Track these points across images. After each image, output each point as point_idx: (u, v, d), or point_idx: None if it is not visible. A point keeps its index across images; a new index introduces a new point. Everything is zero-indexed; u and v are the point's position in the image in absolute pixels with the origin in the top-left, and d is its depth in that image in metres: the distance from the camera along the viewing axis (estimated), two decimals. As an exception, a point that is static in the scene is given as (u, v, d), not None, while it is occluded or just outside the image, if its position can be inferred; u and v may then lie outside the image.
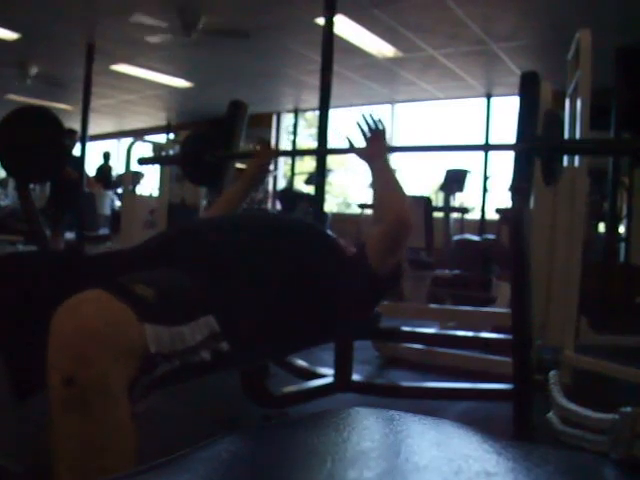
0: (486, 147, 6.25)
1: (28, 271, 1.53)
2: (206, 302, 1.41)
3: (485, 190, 9.80)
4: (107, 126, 15.41)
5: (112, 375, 1.11)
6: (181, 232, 1.87)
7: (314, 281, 1.83)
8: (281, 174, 13.47)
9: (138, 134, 12.27)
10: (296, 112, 13.06)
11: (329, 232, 2.18)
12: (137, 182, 9.18)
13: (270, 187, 12.59)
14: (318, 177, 3.94)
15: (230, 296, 1.51)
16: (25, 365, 1.34)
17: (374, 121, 2.45)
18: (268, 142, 3.00)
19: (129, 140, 7.92)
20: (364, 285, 2.01)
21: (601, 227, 7.35)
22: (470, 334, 3.50)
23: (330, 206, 13.55)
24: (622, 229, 6.73)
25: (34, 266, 1.58)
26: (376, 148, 2.37)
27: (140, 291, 1.23)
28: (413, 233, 2.16)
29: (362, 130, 2.46)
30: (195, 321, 1.33)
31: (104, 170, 12.41)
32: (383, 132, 2.43)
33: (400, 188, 2.25)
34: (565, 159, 3.33)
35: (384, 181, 2.28)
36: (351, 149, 2.50)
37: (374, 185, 2.30)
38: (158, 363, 1.23)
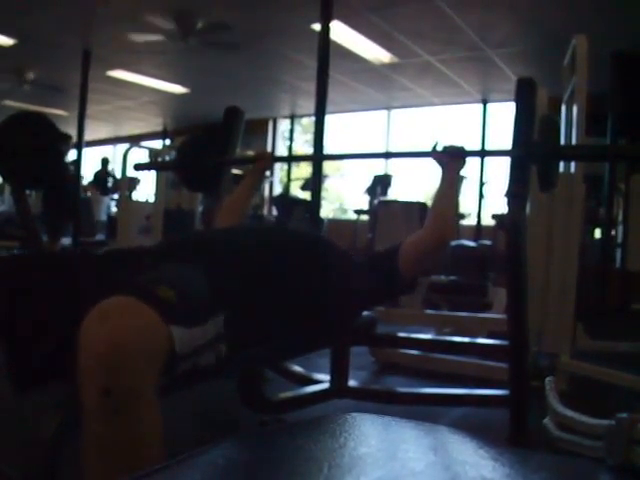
0: (482, 153, 6.26)
1: (33, 268, 1.53)
2: (216, 303, 1.42)
3: (481, 196, 9.81)
4: (103, 132, 15.38)
5: (147, 382, 1.13)
6: (186, 238, 1.90)
7: (316, 287, 1.85)
8: (277, 180, 13.47)
9: (134, 140, 12.27)
10: (292, 118, 13.06)
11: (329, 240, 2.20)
12: (133, 188, 9.17)
13: (266, 193, 12.59)
14: (314, 183, 3.94)
15: (234, 299, 1.52)
16: (28, 358, 1.34)
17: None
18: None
19: (125, 146, 7.92)
20: (377, 285, 2.04)
21: (597, 233, 7.36)
22: (466, 340, 3.51)
23: (326, 212, 13.56)
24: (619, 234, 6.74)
25: (38, 264, 1.58)
26: (455, 163, 2.37)
27: (163, 293, 1.23)
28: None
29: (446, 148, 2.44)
30: (208, 322, 1.34)
31: (101, 175, 12.39)
32: (464, 161, 2.42)
33: (455, 206, 2.36)
34: (561, 165, 3.33)
35: (446, 193, 2.30)
36: (432, 152, 2.47)
37: (437, 192, 2.30)
38: (177, 364, 1.24)
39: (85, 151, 8.84)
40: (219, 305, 1.42)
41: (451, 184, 2.32)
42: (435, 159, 2.37)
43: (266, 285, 1.68)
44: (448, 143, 2.42)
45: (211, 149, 3.12)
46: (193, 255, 1.66)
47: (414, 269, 2.11)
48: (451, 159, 2.34)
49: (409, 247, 2.10)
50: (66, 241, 7.85)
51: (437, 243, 2.16)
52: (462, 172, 2.40)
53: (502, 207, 9.13)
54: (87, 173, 11.53)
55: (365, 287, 2.03)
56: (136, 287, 1.23)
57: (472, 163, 2.42)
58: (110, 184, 12.20)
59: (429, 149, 2.46)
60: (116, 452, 1.10)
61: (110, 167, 13.09)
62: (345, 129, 13.63)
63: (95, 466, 1.11)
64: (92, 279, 1.47)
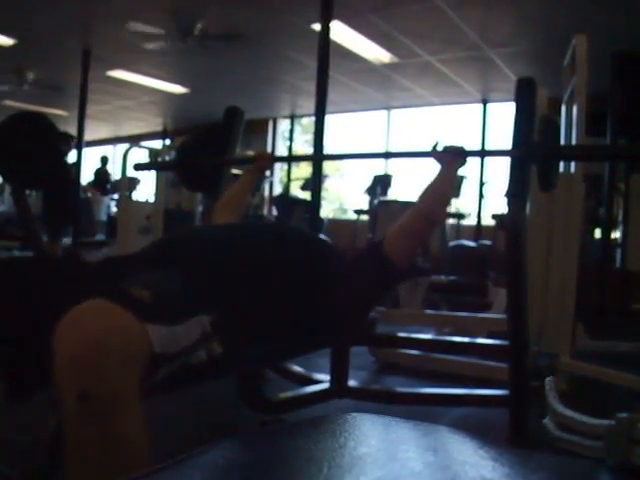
0: (482, 153, 6.26)
1: (25, 276, 1.53)
2: (200, 302, 1.41)
3: (481, 196, 9.81)
4: (103, 132, 15.38)
5: (124, 383, 1.12)
6: (179, 238, 1.89)
7: (311, 286, 1.84)
8: (277, 180, 13.46)
9: (134, 140, 12.27)
10: (292, 118, 13.05)
11: (324, 237, 2.20)
12: (133, 188, 9.17)
13: (266, 193, 12.59)
14: (314, 183, 3.94)
15: (226, 298, 1.52)
16: (21, 368, 1.34)
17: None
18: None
19: (125, 146, 7.92)
20: (374, 272, 2.02)
21: (597, 233, 7.36)
22: (466, 340, 3.51)
23: (326, 212, 13.55)
24: (618, 234, 6.74)
25: (31, 271, 1.58)
26: (454, 161, 2.35)
27: (137, 293, 1.23)
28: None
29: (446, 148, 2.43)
30: (190, 320, 1.34)
31: (101, 174, 12.38)
32: (464, 160, 2.41)
33: (447, 196, 2.33)
34: (561, 165, 3.34)
35: (439, 184, 2.27)
36: (432, 151, 2.46)
37: (431, 184, 2.28)
38: (160, 365, 1.23)
39: (85, 151, 8.83)
40: (205, 304, 1.42)
41: (449, 181, 2.31)
42: (435, 158, 2.36)
43: (262, 284, 1.68)
44: (448, 143, 2.41)
45: (211, 149, 3.12)
46: (182, 255, 1.66)
47: (403, 254, 2.05)
48: (451, 158, 2.33)
49: (395, 234, 2.05)
50: (66, 241, 7.86)
51: (425, 225, 2.13)
52: (462, 172, 2.39)
53: (502, 207, 9.13)
54: (87, 173, 11.52)
55: (364, 284, 2.02)
56: (109, 290, 1.23)
57: (472, 163, 2.41)
58: (109, 185, 12.19)
59: (429, 149, 2.46)
60: (95, 454, 1.10)
61: (109, 167, 13.09)
62: (345, 129, 13.63)
63: (76, 469, 1.11)
64: (74, 288, 1.46)
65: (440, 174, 2.29)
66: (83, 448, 1.10)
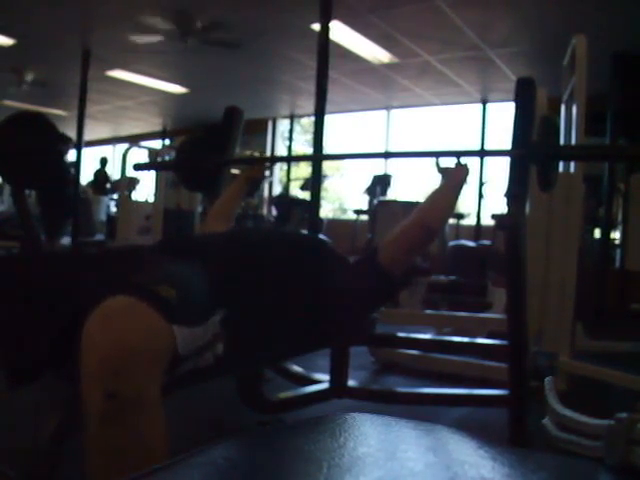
0: (482, 153, 6.25)
1: (29, 267, 1.53)
2: (215, 302, 1.42)
3: (481, 196, 9.81)
4: (103, 132, 15.38)
5: (150, 384, 1.12)
6: (187, 237, 1.90)
7: (314, 288, 1.84)
8: (277, 180, 13.47)
9: (134, 140, 12.27)
10: (292, 118, 13.05)
11: (324, 238, 2.20)
12: (133, 188, 9.17)
13: (266, 193, 12.59)
14: (314, 183, 3.93)
15: (232, 298, 1.52)
16: (21, 353, 1.34)
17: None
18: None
19: (125, 146, 7.92)
20: (370, 286, 2.02)
21: (597, 233, 7.36)
22: (466, 340, 3.51)
23: (326, 212, 13.56)
24: (618, 234, 6.75)
25: (35, 263, 1.58)
26: (459, 172, 2.32)
27: (165, 293, 1.22)
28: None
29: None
30: (207, 322, 1.34)
31: (100, 176, 12.37)
32: (467, 172, 2.38)
33: (450, 206, 2.28)
34: (561, 165, 3.34)
35: (443, 192, 2.25)
36: (437, 167, 2.43)
37: (434, 192, 2.26)
38: (177, 366, 1.24)
39: (85, 151, 8.83)
40: (217, 304, 1.42)
41: (453, 191, 2.28)
42: (440, 171, 2.34)
43: (266, 285, 1.69)
44: (447, 147, 2.40)
45: (211, 149, 3.12)
46: (193, 253, 1.66)
47: (400, 265, 2.05)
48: (455, 169, 2.31)
49: (391, 244, 2.05)
50: (65, 241, 7.86)
51: (424, 236, 2.12)
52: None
53: (502, 207, 9.13)
54: (87, 173, 11.52)
55: (360, 291, 2.02)
56: (137, 287, 1.22)
57: (472, 163, 2.39)
58: (108, 185, 12.19)
59: (430, 153, 2.44)
60: (120, 454, 1.10)
61: (108, 168, 13.08)
62: (345, 129, 13.63)
63: (99, 469, 1.11)
64: (91, 277, 1.46)
65: (444, 185, 2.28)
66: (107, 448, 1.10)
